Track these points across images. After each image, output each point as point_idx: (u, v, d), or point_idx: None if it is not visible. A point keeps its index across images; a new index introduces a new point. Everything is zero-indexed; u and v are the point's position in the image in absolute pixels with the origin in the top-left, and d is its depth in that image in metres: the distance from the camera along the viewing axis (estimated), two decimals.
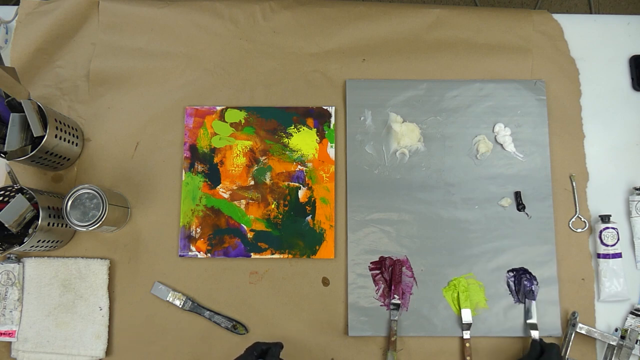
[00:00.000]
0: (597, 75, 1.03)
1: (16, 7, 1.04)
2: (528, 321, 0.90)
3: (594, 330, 0.89)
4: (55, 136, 0.89)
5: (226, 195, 0.96)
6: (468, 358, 0.90)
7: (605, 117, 1.01)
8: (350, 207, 0.96)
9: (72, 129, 0.95)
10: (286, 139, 0.99)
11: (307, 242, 0.95)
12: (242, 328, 0.92)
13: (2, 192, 0.89)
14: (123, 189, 0.97)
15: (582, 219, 0.96)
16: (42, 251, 0.93)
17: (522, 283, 0.92)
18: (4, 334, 0.90)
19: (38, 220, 0.84)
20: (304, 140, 0.98)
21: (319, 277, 0.94)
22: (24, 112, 0.85)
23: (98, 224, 0.84)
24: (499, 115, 0.99)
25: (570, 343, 0.89)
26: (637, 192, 0.96)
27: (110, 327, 0.92)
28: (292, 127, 0.99)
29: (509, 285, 0.93)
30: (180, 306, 0.92)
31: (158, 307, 0.93)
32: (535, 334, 0.89)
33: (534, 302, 0.91)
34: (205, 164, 0.98)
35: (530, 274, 0.93)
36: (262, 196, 0.96)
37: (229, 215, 0.96)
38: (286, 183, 0.97)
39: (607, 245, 0.93)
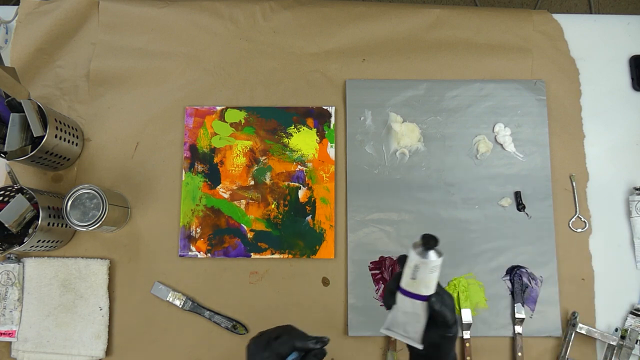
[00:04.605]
0: (597, 75, 1.03)
1: (16, 7, 1.04)
2: (517, 315, 0.91)
3: (594, 330, 0.89)
4: (55, 136, 0.89)
5: (226, 195, 0.96)
6: (468, 358, 0.90)
7: (605, 117, 1.01)
8: (350, 207, 0.96)
9: (72, 129, 0.95)
10: (286, 139, 0.99)
11: (307, 242, 0.95)
12: (242, 328, 0.92)
13: (2, 192, 0.89)
14: (123, 189, 0.97)
15: (582, 219, 0.96)
16: (42, 251, 0.93)
17: (522, 282, 0.92)
18: (4, 334, 0.90)
19: (38, 220, 0.84)
20: (304, 140, 0.98)
21: (319, 277, 0.94)
22: (24, 112, 0.85)
23: (98, 224, 0.84)
24: (499, 115, 0.99)
25: (570, 343, 0.89)
26: (637, 192, 0.96)
27: (110, 327, 0.92)
28: (292, 127, 0.99)
29: (508, 285, 0.93)
30: (180, 306, 0.92)
31: (158, 307, 0.93)
32: (518, 329, 0.91)
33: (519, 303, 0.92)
34: (205, 164, 0.98)
35: (530, 273, 0.93)
36: (262, 196, 0.96)
37: (229, 215, 0.96)
38: (286, 183, 0.97)
39: None
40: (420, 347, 0.61)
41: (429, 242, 0.57)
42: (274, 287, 0.94)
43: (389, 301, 0.62)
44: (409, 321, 0.61)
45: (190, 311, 0.92)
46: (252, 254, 0.94)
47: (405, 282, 0.59)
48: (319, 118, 0.99)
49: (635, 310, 0.93)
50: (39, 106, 0.87)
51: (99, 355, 0.90)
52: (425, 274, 0.58)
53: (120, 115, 1.00)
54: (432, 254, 0.57)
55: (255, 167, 0.98)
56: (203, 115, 0.99)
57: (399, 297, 0.60)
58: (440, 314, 0.59)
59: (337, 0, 1.07)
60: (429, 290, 0.59)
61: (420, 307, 0.60)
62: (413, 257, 0.57)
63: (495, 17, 1.04)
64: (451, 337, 0.61)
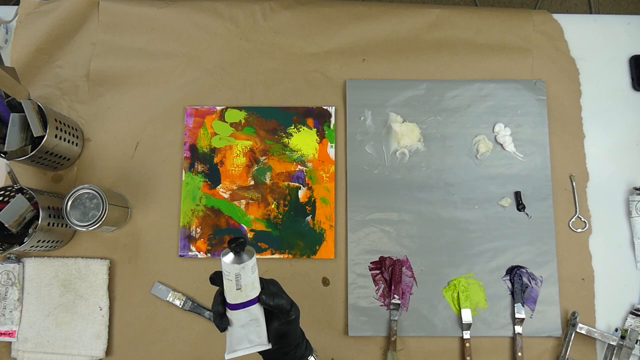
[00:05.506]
0: (597, 75, 1.03)
1: (16, 7, 1.04)
2: (517, 316, 0.91)
3: (594, 330, 0.89)
4: (55, 136, 0.89)
5: (226, 195, 0.96)
6: (468, 358, 0.90)
7: (605, 117, 1.01)
8: (350, 207, 0.96)
9: (72, 129, 0.95)
10: (286, 139, 0.99)
11: (307, 242, 0.95)
12: None
13: (2, 192, 0.89)
14: (123, 189, 0.97)
15: (582, 219, 0.96)
16: (42, 251, 0.93)
17: (522, 282, 0.92)
18: (4, 334, 0.90)
19: (38, 220, 0.84)
20: (304, 140, 0.98)
21: (319, 277, 0.94)
22: (24, 112, 0.85)
23: (98, 224, 0.84)
24: (499, 115, 0.99)
25: (570, 343, 0.89)
26: (637, 192, 0.96)
27: (110, 327, 0.92)
28: (292, 127, 0.99)
29: (508, 285, 0.93)
30: (180, 306, 0.92)
31: (158, 307, 0.93)
32: (518, 329, 0.90)
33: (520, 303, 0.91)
34: (205, 164, 0.98)
35: (530, 273, 0.93)
36: (262, 196, 0.96)
37: (229, 215, 0.96)
38: (286, 183, 0.97)
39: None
40: (269, 346, 0.60)
41: (240, 246, 0.54)
42: None
43: (222, 324, 0.59)
44: (249, 331, 0.59)
45: (190, 311, 0.92)
46: None
47: (232, 297, 0.57)
48: (319, 118, 0.99)
49: (635, 310, 0.93)
50: (39, 106, 0.87)
51: (99, 355, 0.90)
52: (248, 277, 0.56)
53: (120, 115, 1.00)
54: (246, 256, 0.54)
55: (255, 167, 0.98)
56: (203, 115, 0.99)
57: (232, 314, 0.58)
58: (277, 306, 0.59)
59: (337, 0, 1.07)
60: (257, 290, 0.57)
61: (255, 311, 0.58)
62: (231, 268, 0.54)
63: (495, 17, 1.04)
64: (294, 319, 0.62)
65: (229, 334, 0.60)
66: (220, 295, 0.60)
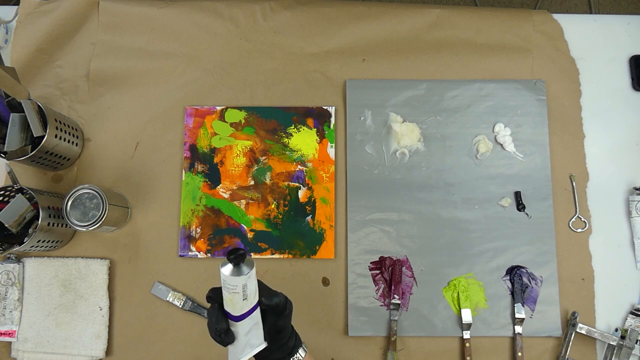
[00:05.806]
0: (597, 75, 1.03)
1: (16, 7, 1.04)
2: (517, 316, 0.91)
3: (594, 330, 0.89)
4: (55, 136, 0.89)
5: (226, 195, 0.96)
6: (468, 358, 0.90)
7: (605, 117, 1.01)
8: (350, 207, 0.96)
9: (72, 129, 0.95)
10: (286, 139, 0.99)
11: (307, 242, 0.95)
12: None
13: (2, 192, 0.89)
14: (123, 189, 0.97)
15: (582, 219, 0.96)
16: (42, 251, 0.93)
17: (522, 282, 0.92)
18: (4, 334, 0.90)
19: (38, 220, 0.84)
20: (304, 140, 0.98)
21: (319, 277, 0.94)
22: (24, 112, 0.85)
23: (98, 224, 0.84)
24: (499, 115, 0.99)
25: (570, 343, 0.89)
26: (637, 192, 0.96)
27: (110, 327, 0.92)
28: (292, 127, 0.99)
29: (508, 285, 0.93)
30: (180, 306, 0.92)
31: (158, 307, 0.93)
32: (518, 329, 0.90)
33: (520, 303, 0.91)
34: (205, 164, 0.98)
35: (530, 273, 0.93)
36: (262, 196, 0.96)
37: (229, 215, 0.96)
38: (286, 183, 0.97)
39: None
40: (266, 344, 0.61)
41: (241, 258, 0.55)
42: (274, 287, 0.93)
43: (229, 339, 0.59)
44: (251, 335, 0.60)
45: (190, 311, 0.92)
46: (252, 254, 0.94)
47: (239, 309, 0.57)
48: (319, 118, 0.99)
49: (635, 310, 0.93)
50: (39, 106, 0.87)
51: (99, 355, 0.90)
52: (253, 284, 0.57)
53: (120, 115, 1.00)
54: (245, 266, 0.56)
55: (255, 167, 0.98)
56: (203, 115, 0.99)
57: (238, 325, 0.58)
58: (275, 304, 0.60)
59: (337, 0, 1.07)
60: (257, 293, 0.59)
61: (256, 314, 0.59)
62: (237, 281, 0.55)
63: (495, 17, 1.04)
64: (289, 313, 0.63)
65: (232, 347, 0.60)
66: (220, 311, 0.59)
